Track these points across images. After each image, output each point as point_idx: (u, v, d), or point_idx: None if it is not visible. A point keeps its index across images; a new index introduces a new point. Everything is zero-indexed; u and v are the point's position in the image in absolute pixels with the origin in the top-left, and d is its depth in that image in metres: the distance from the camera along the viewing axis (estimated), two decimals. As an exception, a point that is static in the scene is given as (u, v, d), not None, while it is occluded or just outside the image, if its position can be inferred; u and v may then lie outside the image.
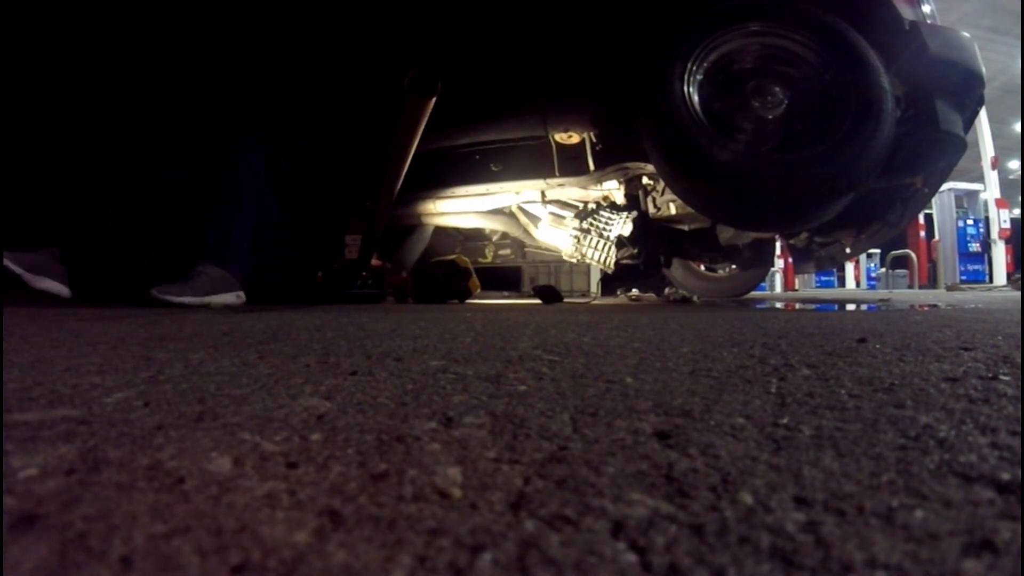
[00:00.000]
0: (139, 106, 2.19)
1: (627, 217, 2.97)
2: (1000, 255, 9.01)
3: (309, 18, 2.20)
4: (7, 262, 1.87)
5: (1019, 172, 15.08)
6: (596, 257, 3.10)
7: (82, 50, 2.10)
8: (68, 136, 2.22)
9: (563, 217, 3.18)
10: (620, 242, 2.98)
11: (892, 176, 2.29)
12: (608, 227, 3.02)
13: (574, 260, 3.31)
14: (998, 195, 8.99)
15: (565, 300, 2.97)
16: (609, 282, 3.14)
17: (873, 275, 13.06)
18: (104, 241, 2.16)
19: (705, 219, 2.85)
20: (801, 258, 3.10)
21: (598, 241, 3.05)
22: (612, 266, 3.02)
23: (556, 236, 3.23)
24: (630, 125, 2.33)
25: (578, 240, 3.14)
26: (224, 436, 0.38)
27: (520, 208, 3.26)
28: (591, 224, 3.07)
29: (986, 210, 9.70)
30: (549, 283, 3.93)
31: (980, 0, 9.65)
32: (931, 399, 0.48)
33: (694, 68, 2.08)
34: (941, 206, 10.51)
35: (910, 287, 10.13)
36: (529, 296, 3.83)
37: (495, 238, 4.13)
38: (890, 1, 2.11)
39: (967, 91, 2.24)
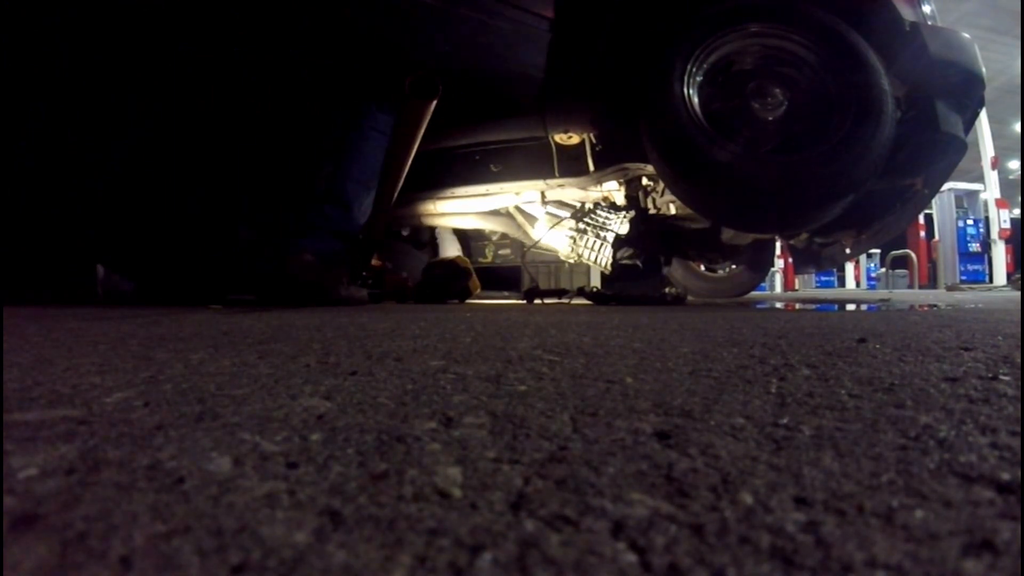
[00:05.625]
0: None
1: (624, 216, 2.95)
2: (1000, 255, 9.01)
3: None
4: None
5: (1019, 172, 15.09)
6: (592, 258, 3.09)
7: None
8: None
9: (560, 217, 3.17)
10: (618, 242, 2.96)
11: (892, 177, 2.29)
12: (605, 227, 3.01)
13: (571, 260, 3.30)
14: (998, 195, 8.99)
15: (545, 301, 2.93)
16: (609, 283, 3.14)
17: (873, 275, 13.05)
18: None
19: (705, 219, 2.85)
20: (801, 259, 3.10)
21: (594, 241, 3.04)
22: (609, 267, 3.02)
23: (553, 236, 3.23)
24: (630, 126, 2.33)
25: (574, 240, 3.14)
26: (224, 436, 0.38)
27: (518, 208, 3.26)
28: (588, 224, 3.05)
29: (986, 210, 9.71)
30: (551, 284, 3.95)
31: (980, 0, 9.66)
32: (931, 399, 0.48)
33: (694, 69, 2.08)
34: (941, 206, 10.51)
35: (910, 287, 10.13)
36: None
37: (495, 238, 4.14)
38: (890, 2, 2.11)
39: (967, 92, 2.24)
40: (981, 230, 10.45)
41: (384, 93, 2.26)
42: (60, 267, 2.40)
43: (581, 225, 3.07)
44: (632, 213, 2.95)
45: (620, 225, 2.96)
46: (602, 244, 3.03)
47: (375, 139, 2.23)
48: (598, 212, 3.03)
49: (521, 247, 3.52)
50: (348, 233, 2.17)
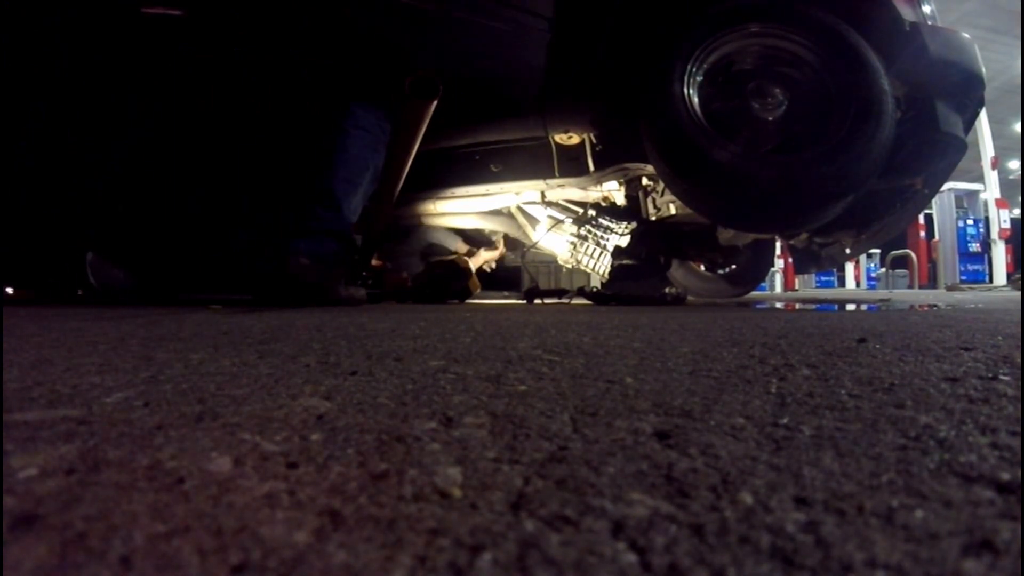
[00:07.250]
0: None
1: (626, 228, 2.96)
2: (1000, 255, 9.02)
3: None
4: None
5: (1019, 172, 15.10)
6: (591, 265, 3.11)
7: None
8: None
9: (562, 221, 3.18)
10: (618, 251, 2.97)
11: (892, 177, 2.29)
12: (605, 237, 3.02)
13: (569, 265, 3.31)
14: (998, 195, 9.00)
15: (545, 301, 2.94)
16: (609, 282, 3.16)
17: (873, 275, 13.05)
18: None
19: (705, 219, 2.85)
20: (801, 258, 3.10)
21: (594, 250, 3.05)
22: (606, 275, 3.03)
23: (553, 240, 3.24)
24: (630, 126, 2.33)
25: (574, 247, 3.15)
26: (224, 436, 0.38)
27: (520, 209, 3.26)
28: (589, 232, 3.07)
29: (986, 210, 9.71)
30: (551, 284, 3.95)
31: (980, 0, 9.67)
32: (931, 399, 0.48)
33: (694, 69, 2.08)
34: (941, 206, 10.51)
35: (910, 287, 10.13)
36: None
37: (495, 238, 4.14)
38: (890, 2, 2.11)
39: (967, 92, 2.25)
40: (981, 230, 10.45)
41: (366, 90, 2.26)
42: (56, 264, 2.41)
43: (583, 231, 3.07)
44: (633, 225, 2.94)
45: (622, 237, 2.97)
46: (602, 252, 3.04)
47: (360, 137, 2.22)
48: (600, 221, 3.03)
49: (521, 247, 3.53)
50: (341, 233, 2.17)
